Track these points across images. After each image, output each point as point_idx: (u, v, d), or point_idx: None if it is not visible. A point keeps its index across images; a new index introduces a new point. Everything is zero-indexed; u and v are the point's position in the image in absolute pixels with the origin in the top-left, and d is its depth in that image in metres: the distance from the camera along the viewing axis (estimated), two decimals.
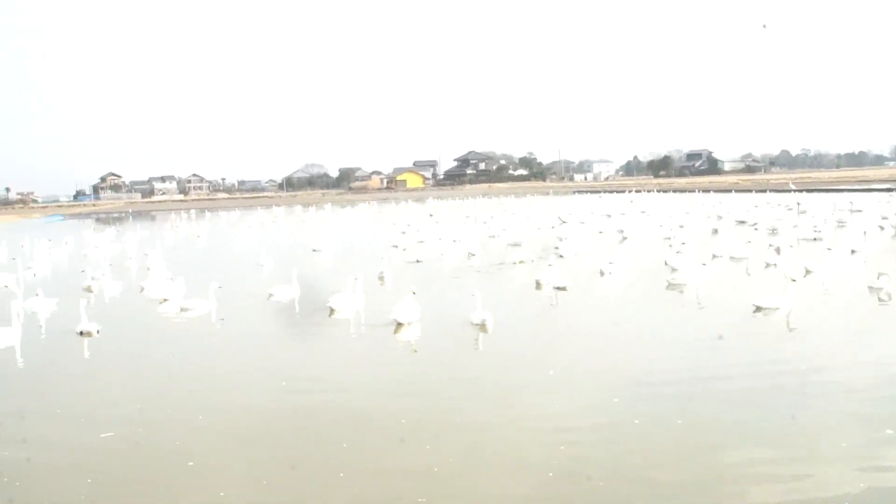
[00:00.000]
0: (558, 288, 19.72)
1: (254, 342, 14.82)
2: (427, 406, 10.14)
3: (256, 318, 17.77)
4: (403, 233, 43.21)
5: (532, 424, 9.11)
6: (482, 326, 14.81)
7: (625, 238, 34.36)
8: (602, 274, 22.07)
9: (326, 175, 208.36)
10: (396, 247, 33.14)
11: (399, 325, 15.31)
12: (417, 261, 27.99)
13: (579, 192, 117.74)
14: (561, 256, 27.74)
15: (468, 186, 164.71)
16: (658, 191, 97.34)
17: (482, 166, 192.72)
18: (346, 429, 9.30)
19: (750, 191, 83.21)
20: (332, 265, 30.05)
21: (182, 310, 18.50)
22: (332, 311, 17.35)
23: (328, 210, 78.37)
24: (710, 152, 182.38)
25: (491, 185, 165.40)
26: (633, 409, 9.69)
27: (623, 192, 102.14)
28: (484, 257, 29.30)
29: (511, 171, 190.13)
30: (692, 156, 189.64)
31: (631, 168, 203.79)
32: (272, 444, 8.90)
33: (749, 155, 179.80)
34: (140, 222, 73.93)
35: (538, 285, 20.50)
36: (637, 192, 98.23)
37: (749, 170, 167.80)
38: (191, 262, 34.26)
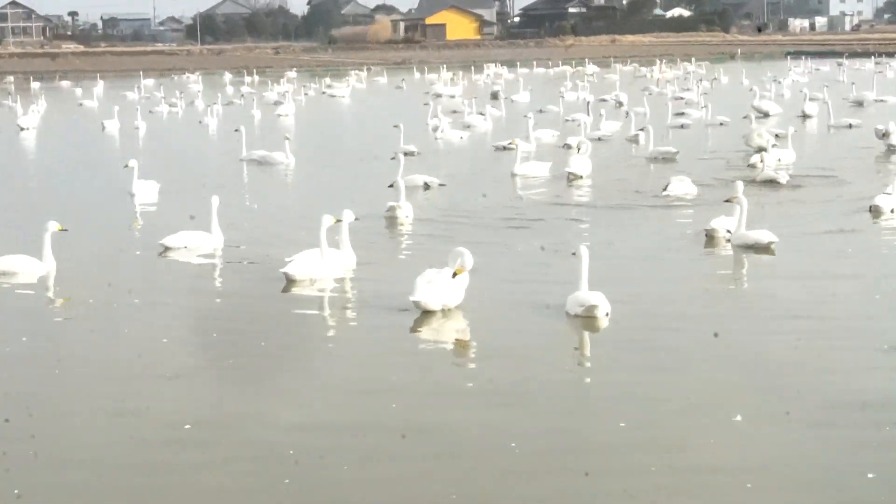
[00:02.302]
0: (751, 246, 19.72)
1: (130, 344, 14.83)
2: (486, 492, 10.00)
3: (135, 295, 17.80)
4: (436, 129, 43.13)
5: None
6: (590, 318, 15.07)
7: (892, 146, 33.94)
8: (877, 213, 22.70)
9: (284, 12, 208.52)
10: (413, 154, 33.72)
11: (425, 313, 15.49)
12: (441, 184, 28.59)
13: (796, 54, 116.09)
14: (771, 181, 27.63)
15: (570, 41, 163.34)
16: None
17: (598, 0, 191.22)
18: None
19: None
20: (293, 194, 30.36)
21: None
22: (288, 281, 17.78)
23: (289, 84, 78.37)
24: None
25: (616, 37, 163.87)
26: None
27: (880, 56, 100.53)
28: (600, 181, 29.21)
29: (659, 12, 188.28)
30: None
31: None
32: None
33: None
34: None
35: (711, 238, 20.70)
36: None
37: None
38: (7, 179, 34.66)
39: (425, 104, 50.01)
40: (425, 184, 28.35)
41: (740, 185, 21.69)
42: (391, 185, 24.37)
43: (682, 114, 47.96)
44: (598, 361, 13.90)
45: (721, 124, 43.59)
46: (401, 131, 36.52)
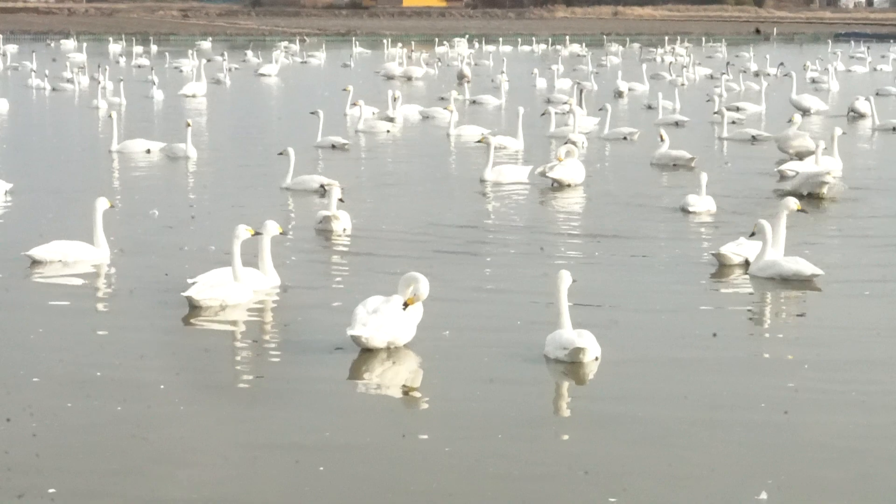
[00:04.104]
0: (786, 279, 19.87)
1: None
2: None
3: None
4: (382, 120, 43.09)
5: None
6: (575, 365, 15.23)
7: None
8: None
9: None
10: (343, 147, 35.18)
11: (366, 352, 15.68)
12: (341, 195, 28.48)
13: (845, 37, 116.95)
14: (811, 195, 27.77)
15: (560, 11, 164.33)
16: None
17: None
18: None
19: None
20: (198, 197, 30.54)
21: None
22: (192, 307, 17.98)
23: (201, 58, 78.16)
24: None
25: (619, 9, 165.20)
26: None
27: None
28: (594, 192, 29.58)
29: None
30: None
31: None
32: None
33: None
34: None
35: (722, 265, 21.15)
36: None
37: None
38: None
39: (344, 89, 49.70)
40: (322, 186, 28.01)
41: (790, 202, 21.13)
42: (281, 154, 24.94)
43: (738, 108, 48.31)
44: (584, 421, 13.74)
45: (733, 122, 43.72)
46: (320, 119, 36.89)
